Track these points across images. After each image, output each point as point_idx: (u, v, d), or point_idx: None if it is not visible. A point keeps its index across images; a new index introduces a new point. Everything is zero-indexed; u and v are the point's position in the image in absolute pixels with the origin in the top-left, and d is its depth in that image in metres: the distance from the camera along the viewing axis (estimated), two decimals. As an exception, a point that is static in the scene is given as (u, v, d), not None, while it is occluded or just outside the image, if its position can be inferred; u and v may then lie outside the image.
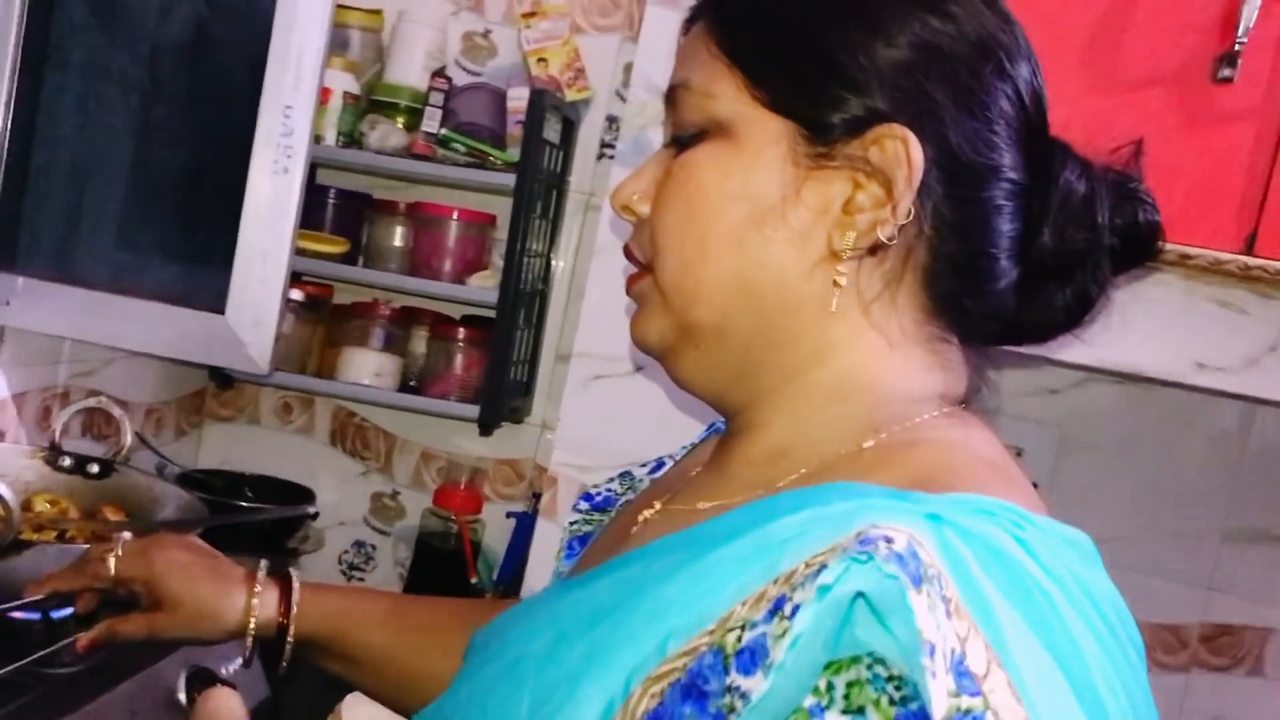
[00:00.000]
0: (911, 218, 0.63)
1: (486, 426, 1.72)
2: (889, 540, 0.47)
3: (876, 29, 0.64)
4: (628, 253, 0.71)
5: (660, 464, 0.85)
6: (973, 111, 0.64)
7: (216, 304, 1.39)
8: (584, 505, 0.84)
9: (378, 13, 1.86)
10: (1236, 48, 1.15)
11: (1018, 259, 0.67)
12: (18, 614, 1.10)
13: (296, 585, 0.93)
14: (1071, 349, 1.35)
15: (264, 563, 0.96)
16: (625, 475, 0.87)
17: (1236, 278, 1.22)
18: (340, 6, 1.80)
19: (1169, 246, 1.20)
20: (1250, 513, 1.67)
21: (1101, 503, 1.73)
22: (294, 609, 0.92)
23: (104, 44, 1.55)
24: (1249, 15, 1.13)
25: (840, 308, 0.64)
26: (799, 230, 0.64)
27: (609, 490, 0.85)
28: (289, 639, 0.91)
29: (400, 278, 1.79)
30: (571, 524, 0.84)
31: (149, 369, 1.77)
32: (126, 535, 0.98)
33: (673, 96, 0.69)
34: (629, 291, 0.71)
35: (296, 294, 1.77)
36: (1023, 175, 0.66)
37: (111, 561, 0.94)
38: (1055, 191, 0.67)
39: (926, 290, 0.65)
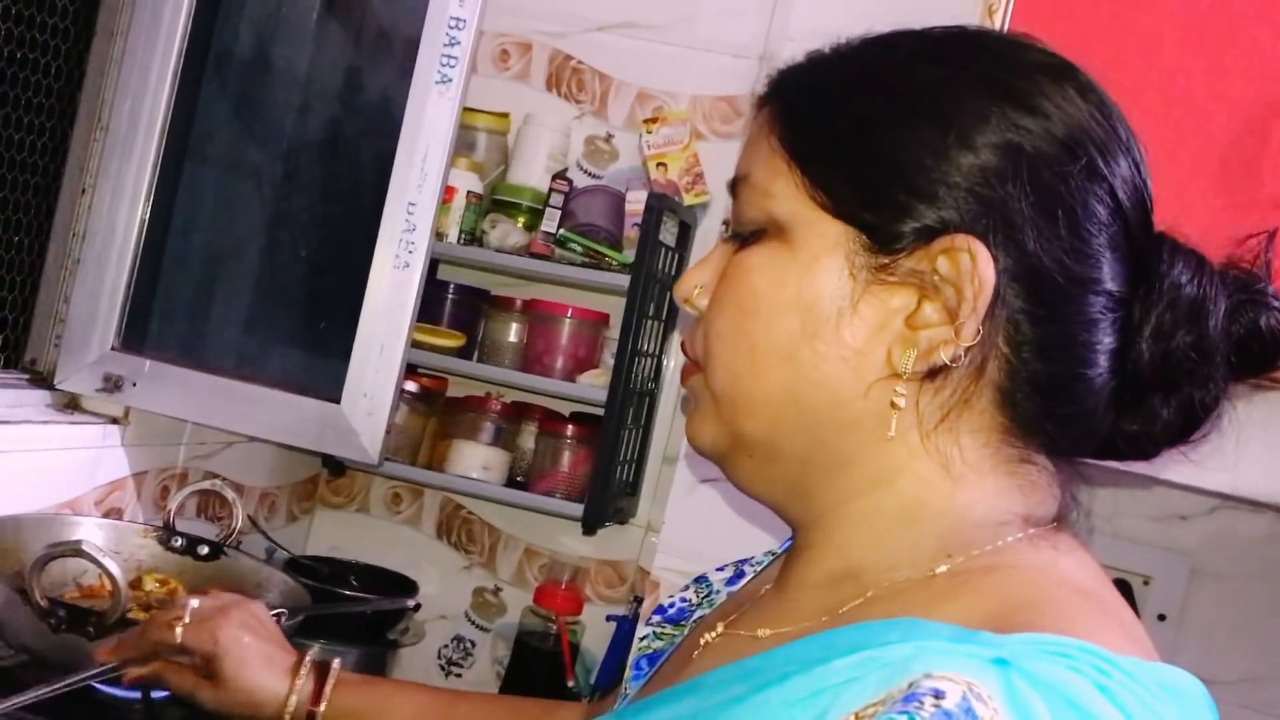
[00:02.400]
0: (980, 337, 0.58)
1: (590, 526, 1.71)
2: (939, 695, 0.43)
3: (952, 130, 0.59)
4: (684, 347, 0.68)
5: (739, 574, 0.82)
6: (1058, 218, 0.58)
7: (333, 393, 1.42)
8: (656, 619, 0.81)
9: (504, 116, 1.90)
10: (1383, 165, 1.10)
11: (1113, 372, 0.61)
12: (118, 692, 1.11)
13: (333, 675, 0.96)
14: (1200, 473, 1.28)
15: (311, 653, 1.00)
16: (701, 581, 0.83)
17: (1385, 405, 1.15)
18: (468, 109, 1.85)
19: (1310, 369, 1.14)
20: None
21: (1233, 639, 1.63)
22: (325, 698, 0.95)
23: (242, 140, 1.62)
24: (1396, 132, 1.09)
25: (900, 430, 0.60)
26: (855, 347, 0.60)
27: (683, 601, 0.82)
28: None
29: (512, 373, 1.81)
30: (641, 640, 0.80)
31: (265, 454, 1.81)
32: (194, 603, 1.01)
33: (735, 188, 0.66)
34: (683, 384, 0.68)
35: (411, 385, 1.80)
36: (1119, 285, 0.60)
37: (179, 631, 0.98)
38: (1159, 296, 0.61)
39: (1004, 410, 0.60)
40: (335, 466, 1.91)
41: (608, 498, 1.72)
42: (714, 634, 0.68)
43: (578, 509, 1.72)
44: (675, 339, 1.89)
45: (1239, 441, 1.26)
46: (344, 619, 1.63)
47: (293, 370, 1.60)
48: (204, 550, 1.41)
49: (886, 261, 0.59)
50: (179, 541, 1.41)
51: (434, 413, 1.86)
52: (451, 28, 1.41)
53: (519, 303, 1.85)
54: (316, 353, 1.58)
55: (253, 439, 1.70)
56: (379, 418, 1.42)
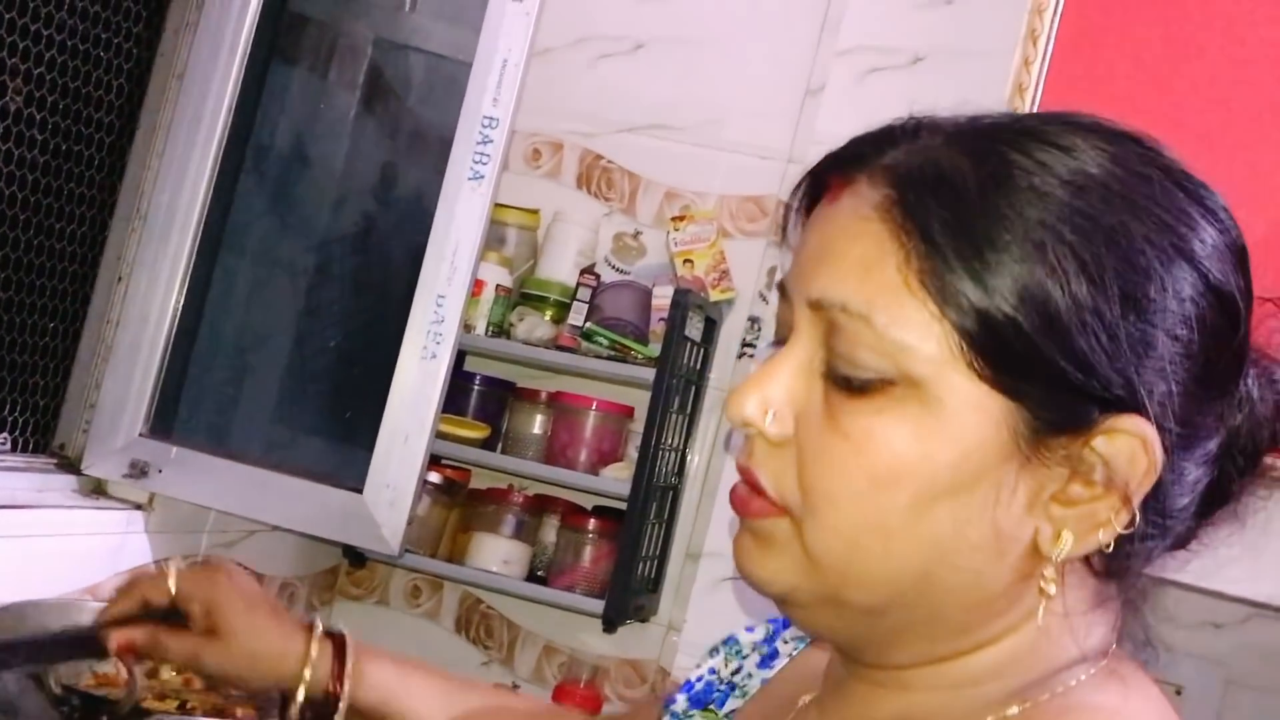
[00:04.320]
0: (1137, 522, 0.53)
1: (611, 623, 1.69)
2: None
3: (1135, 300, 0.52)
4: (746, 473, 0.58)
5: (774, 652, 0.75)
6: (1208, 388, 0.55)
7: (356, 483, 1.42)
8: (681, 701, 0.75)
9: (535, 212, 1.93)
10: None
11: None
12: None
13: (352, 647, 0.86)
14: (1231, 581, 1.26)
15: (319, 618, 0.89)
16: (730, 643, 0.76)
17: None
18: (499, 205, 1.88)
19: (1343, 477, 1.13)
20: None
21: (1270, 752, 1.59)
22: (348, 671, 0.84)
23: (276, 231, 1.65)
24: None
25: (1017, 601, 0.55)
26: (1006, 533, 0.53)
27: (711, 674, 0.76)
28: (341, 707, 0.84)
29: (536, 465, 1.80)
30: None
31: (287, 544, 1.81)
32: (180, 561, 0.92)
33: (825, 312, 0.55)
34: (748, 518, 0.58)
35: (434, 476, 1.80)
36: (1222, 434, 0.57)
37: (172, 579, 0.86)
38: (1239, 420, 0.57)
39: (1103, 563, 0.56)
40: (356, 557, 1.91)
41: (629, 594, 1.71)
42: None
43: (598, 605, 1.70)
44: (700, 433, 1.89)
45: (1271, 547, 1.24)
46: None
47: (317, 459, 1.60)
48: (222, 639, 1.39)
49: (1049, 440, 0.53)
50: (197, 630, 1.40)
51: (456, 504, 1.86)
52: (485, 126, 1.44)
53: (544, 395, 1.85)
54: (342, 442, 1.58)
55: (275, 528, 1.70)
56: (401, 509, 1.42)
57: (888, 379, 0.53)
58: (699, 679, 0.75)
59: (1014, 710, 0.55)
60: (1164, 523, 0.56)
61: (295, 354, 1.66)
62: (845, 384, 0.54)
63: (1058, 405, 0.52)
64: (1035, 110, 1.21)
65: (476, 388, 1.86)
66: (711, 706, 0.73)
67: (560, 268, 1.87)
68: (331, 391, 1.64)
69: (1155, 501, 0.54)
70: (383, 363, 1.45)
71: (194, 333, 1.55)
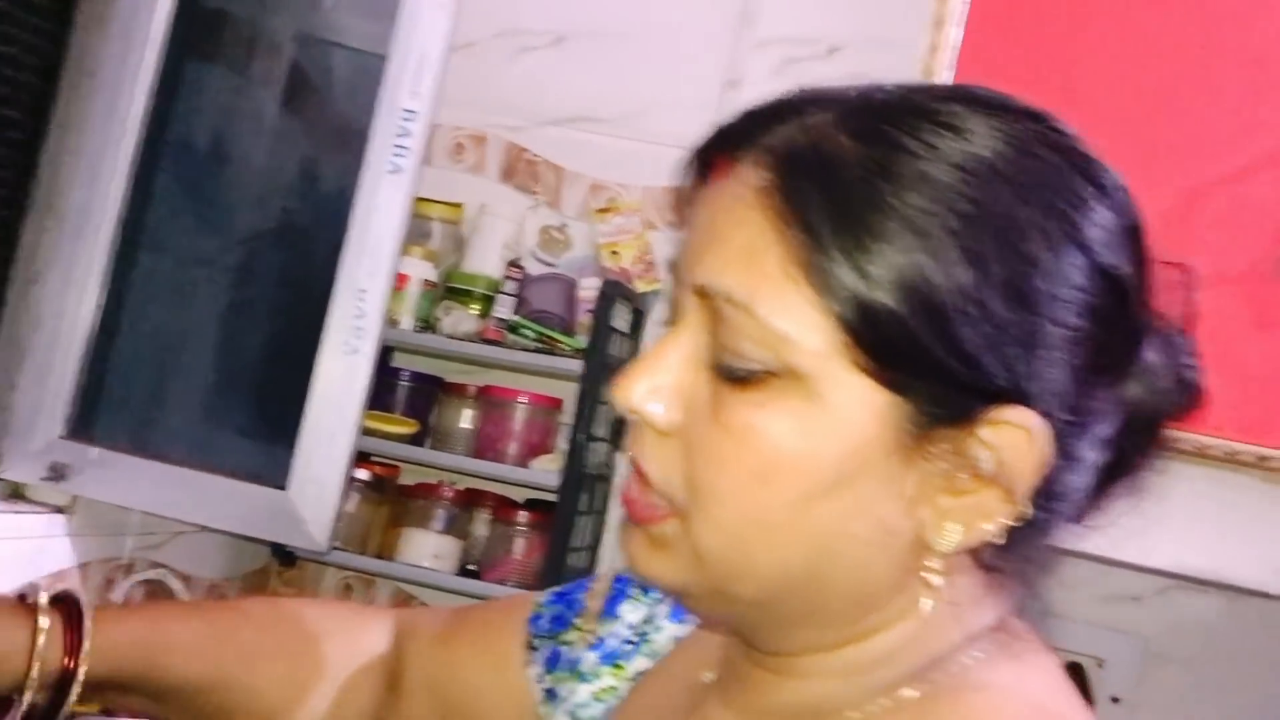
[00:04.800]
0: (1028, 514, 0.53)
1: (543, 614, 1.69)
2: None
3: (1018, 282, 0.51)
4: (636, 465, 0.56)
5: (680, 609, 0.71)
6: (1101, 372, 0.53)
7: (281, 480, 1.41)
8: (591, 659, 0.71)
9: (459, 206, 1.93)
10: (1304, 248, 1.14)
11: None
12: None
13: (88, 615, 0.70)
14: (1146, 553, 1.30)
15: (41, 588, 0.72)
16: (640, 585, 0.74)
17: (1317, 482, 1.18)
18: (423, 200, 1.87)
19: (1243, 447, 1.17)
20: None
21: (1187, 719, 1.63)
22: (85, 646, 0.69)
23: (196, 229, 1.63)
24: (1315, 216, 1.13)
25: (904, 589, 0.55)
26: (890, 527, 0.53)
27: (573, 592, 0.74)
28: (74, 685, 0.69)
29: (465, 459, 1.80)
30: (578, 709, 0.71)
31: (215, 545, 1.79)
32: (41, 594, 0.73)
33: (711, 301, 0.53)
34: (638, 524, 0.56)
35: (362, 473, 1.79)
36: (1120, 415, 0.56)
37: None
38: (1134, 390, 0.56)
39: (1001, 538, 0.55)
40: (285, 557, 1.89)
41: (561, 585, 1.71)
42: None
43: (530, 597, 1.70)
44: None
45: (1184, 519, 1.28)
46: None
47: (243, 458, 1.59)
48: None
49: (934, 433, 0.51)
50: (121, 633, 1.38)
51: (386, 501, 1.86)
52: (404, 119, 1.43)
53: (472, 389, 1.85)
54: (267, 440, 1.57)
55: (202, 528, 1.68)
56: (327, 505, 1.41)
57: (770, 371, 0.52)
58: (614, 636, 0.73)
59: (908, 693, 0.54)
60: (1057, 507, 0.55)
61: (218, 352, 1.64)
62: (730, 375, 0.53)
63: (942, 398, 0.51)
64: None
65: (404, 383, 1.86)
66: (620, 663, 0.71)
67: (486, 261, 1.87)
68: (256, 389, 1.63)
69: (1048, 488, 0.53)
70: (307, 359, 1.44)
71: (113, 333, 1.53)
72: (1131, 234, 0.55)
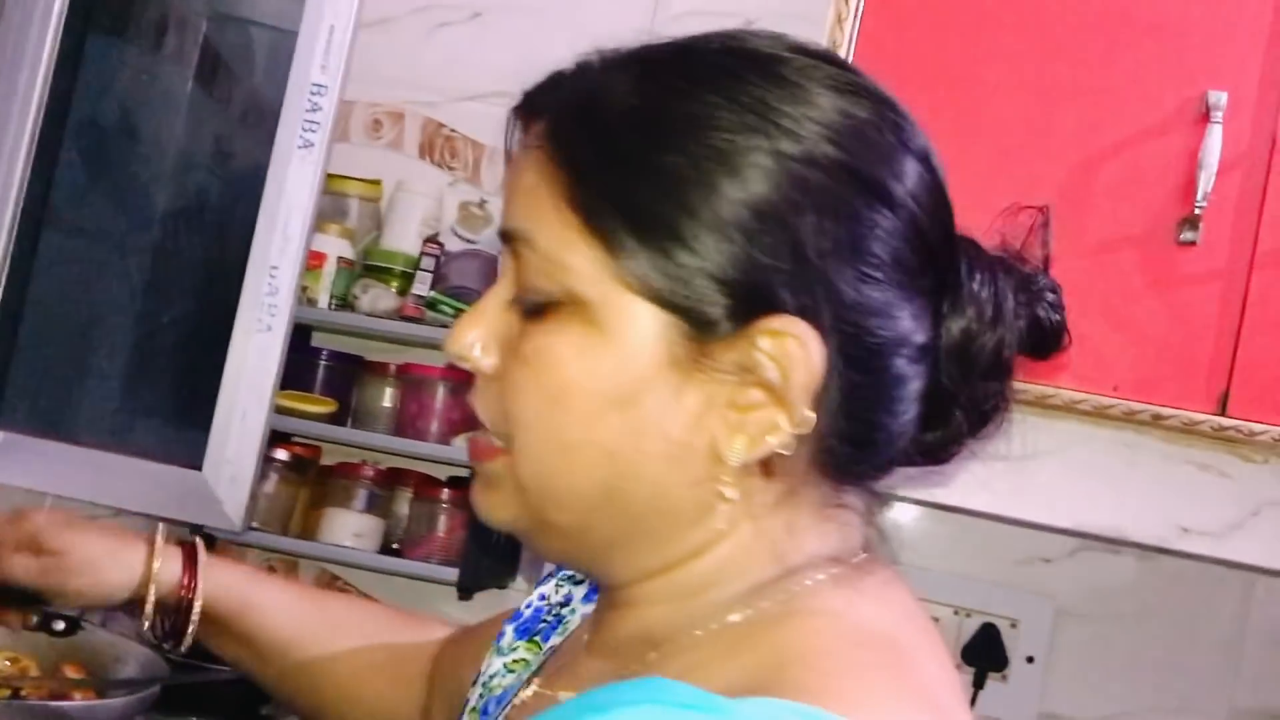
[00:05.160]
0: (811, 423, 0.54)
1: (467, 590, 1.69)
2: None
3: (737, 187, 0.53)
4: (474, 410, 0.61)
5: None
6: (866, 273, 0.55)
7: (196, 461, 1.40)
8: (509, 634, 0.74)
9: (376, 183, 1.92)
10: (1197, 211, 1.17)
11: (922, 401, 0.59)
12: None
13: (202, 550, 0.87)
14: (1053, 513, 1.33)
15: (162, 527, 0.90)
16: (562, 569, 0.77)
17: (1212, 439, 1.21)
18: (340, 177, 1.86)
19: (1141, 407, 1.20)
20: (1259, 689, 1.62)
21: (1100, 678, 1.67)
22: (199, 575, 0.84)
23: (104, 208, 1.60)
24: (1206, 181, 1.16)
25: (715, 508, 0.56)
26: (680, 440, 0.55)
27: (540, 602, 0.76)
28: (195, 609, 0.85)
29: (386, 438, 1.79)
30: (491, 677, 0.73)
31: (132, 527, 1.76)
32: None
33: (509, 243, 0.59)
34: (475, 462, 0.61)
35: (282, 454, 1.77)
36: (928, 329, 0.58)
37: None
38: (959, 312, 0.58)
39: (817, 466, 0.57)
40: (205, 539, 1.87)
41: (484, 562, 1.71)
42: (529, 692, 0.65)
43: (453, 574, 1.70)
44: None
45: (1089, 479, 1.31)
46: (216, 695, 1.59)
47: (156, 439, 1.57)
48: (59, 626, 1.36)
49: (708, 347, 0.54)
50: (33, 619, 1.36)
51: (306, 481, 1.84)
52: (313, 94, 1.42)
53: (393, 368, 1.84)
54: (181, 421, 1.55)
55: (118, 511, 1.66)
56: (242, 485, 1.40)
57: (555, 300, 0.56)
58: (528, 605, 0.76)
59: (733, 618, 0.56)
60: (869, 427, 0.57)
61: (131, 332, 1.62)
62: (528, 310, 0.57)
63: (710, 311, 0.54)
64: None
65: (323, 363, 1.84)
66: (536, 639, 0.74)
67: (405, 238, 1.85)
68: (169, 370, 1.61)
69: (850, 406, 0.56)
70: (221, 339, 1.43)
71: (18, 315, 1.50)
72: (902, 150, 0.57)
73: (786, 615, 0.55)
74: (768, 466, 0.56)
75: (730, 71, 0.57)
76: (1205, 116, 1.16)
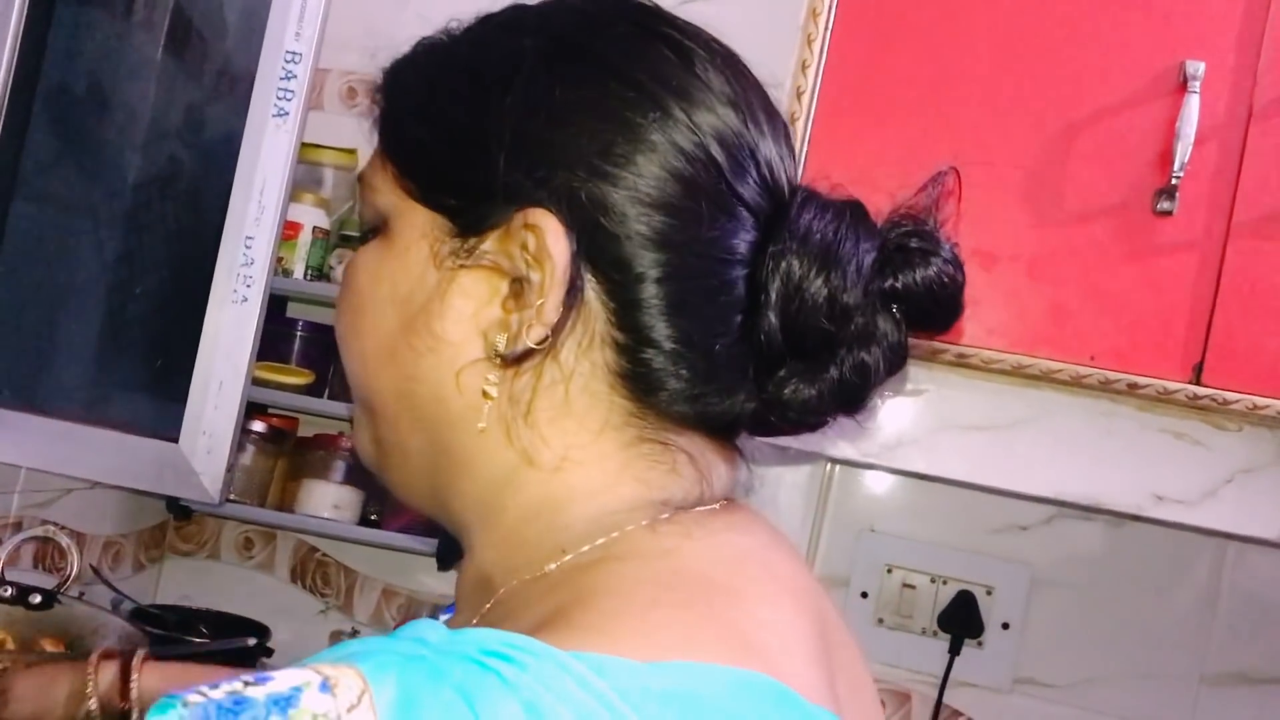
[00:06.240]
0: (567, 315, 0.54)
1: (445, 560, 1.69)
2: (287, 689, 0.41)
3: (509, 97, 0.56)
4: None
5: None
6: (630, 175, 0.54)
7: (172, 433, 1.39)
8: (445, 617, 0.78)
9: (352, 152, 1.90)
10: (1174, 182, 1.17)
11: (743, 337, 0.57)
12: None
13: (138, 657, 0.91)
14: (1030, 481, 1.34)
15: (100, 647, 0.97)
16: None
17: (1186, 407, 1.22)
18: (315, 146, 1.84)
19: (1117, 376, 1.20)
20: (1230, 654, 1.64)
21: (1075, 643, 1.69)
22: (134, 681, 0.89)
23: (76, 177, 1.58)
24: (1183, 151, 1.16)
25: (497, 423, 0.56)
26: (448, 338, 0.56)
27: None
28: (133, 711, 0.88)
29: (364, 410, 1.79)
30: None
31: (108, 500, 1.75)
32: None
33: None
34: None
35: (259, 426, 1.77)
36: (728, 243, 0.55)
37: None
38: (785, 248, 0.55)
39: (620, 391, 0.56)
40: (181, 511, 1.86)
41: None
42: None
43: (432, 545, 1.70)
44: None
45: (1064, 448, 1.31)
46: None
47: (132, 411, 1.56)
48: (36, 599, 1.35)
49: (468, 245, 0.56)
50: (8, 591, 1.35)
51: (284, 453, 1.83)
52: (288, 62, 1.41)
53: (370, 339, 1.83)
54: (157, 393, 1.54)
55: (95, 485, 1.65)
56: (219, 457, 1.39)
57: (373, 225, 0.61)
58: None
59: (551, 566, 0.54)
60: (652, 339, 0.55)
61: (104, 304, 1.61)
62: (362, 242, 0.62)
63: (468, 207, 0.57)
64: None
65: (299, 334, 1.83)
66: None
67: (381, 209, 1.84)
68: (145, 341, 1.59)
69: (620, 310, 0.55)
70: (196, 310, 1.41)
71: (-10, 285, 1.48)
72: (659, 44, 0.58)
73: (597, 561, 0.53)
74: (532, 367, 0.56)
75: (541, 10, 0.61)
76: (1183, 86, 1.17)
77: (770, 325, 0.56)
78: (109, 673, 0.90)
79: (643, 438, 0.57)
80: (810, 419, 0.58)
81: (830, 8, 1.19)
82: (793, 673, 0.49)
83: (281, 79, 1.40)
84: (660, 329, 0.55)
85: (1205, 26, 1.19)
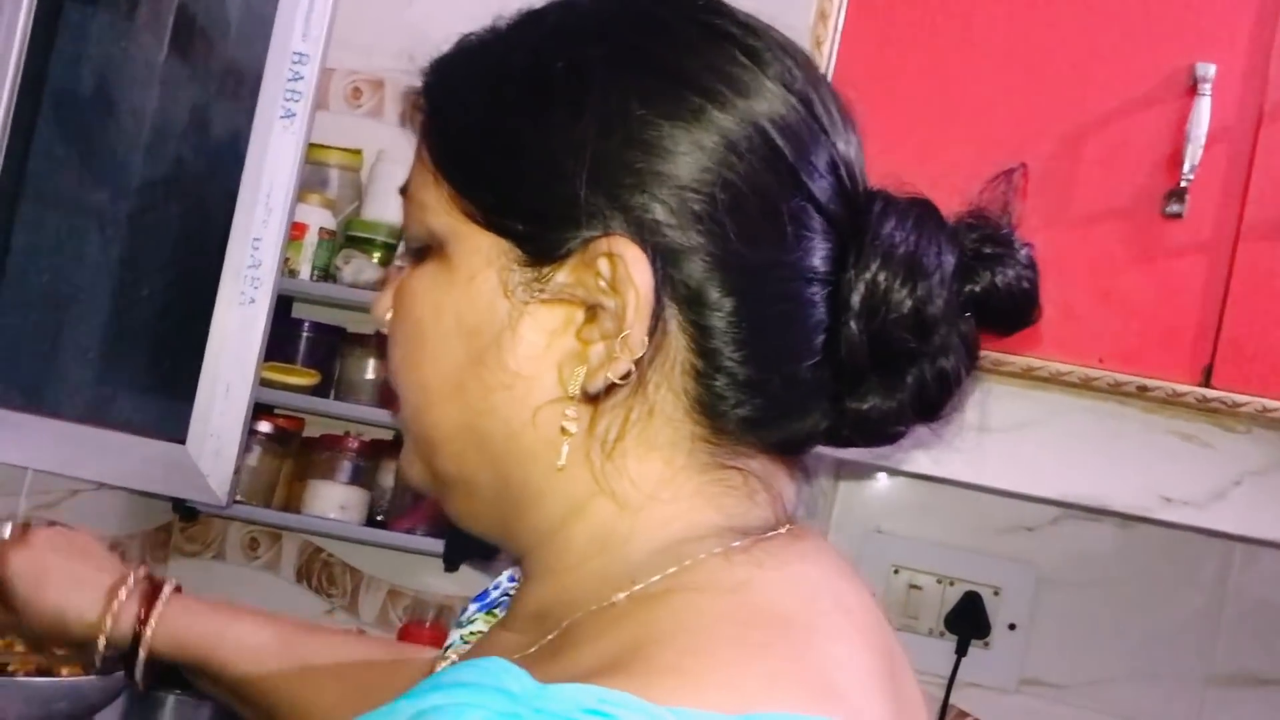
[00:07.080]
0: (652, 346, 0.52)
1: (452, 562, 1.70)
2: None
3: (586, 117, 0.53)
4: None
5: None
6: (723, 200, 0.52)
7: (178, 434, 1.39)
8: (471, 610, 0.73)
9: (357, 152, 1.90)
10: (1183, 184, 1.17)
11: (826, 354, 0.54)
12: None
13: (166, 593, 0.86)
14: (1038, 483, 1.34)
15: (141, 570, 0.90)
16: None
17: (1195, 410, 1.22)
18: (321, 146, 1.84)
19: (1126, 378, 1.21)
20: (1236, 656, 1.64)
21: (1081, 644, 1.69)
22: (151, 623, 0.84)
23: (83, 179, 1.58)
24: (1193, 154, 1.16)
25: (577, 459, 0.53)
26: (521, 372, 0.53)
27: (510, 584, 0.73)
28: (141, 652, 0.84)
29: (370, 410, 1.79)
30: (448, 650, 0.71)
31: (114, 502, 1.75)
32: (5, 528, 0.92)
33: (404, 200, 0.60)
34: (393, 417, 0.62)
35: (265, 426, 1.77)
36: (820, 260, 0.54)
37: None
38: (868, 258, 0.53)
39: (697, 418, 0.54)
40: (187, 512, 1.86)
41: (470, 534, 1.71)
42: (447, 665, 0.64)
43: (439, 546, 1.70)
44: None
45: (1073, 449, 1.31)
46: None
47: (139, 413, 1.56)
48: (43, 601, 1.35)
49: (543, 275, 0.53)
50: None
51: (290, 454, 1.83)
52: (295, 62, 1.40)
53: (375, 339, 1.83)
54: (164, 394, 1.54)
55: (100, 485, 1.65)
56: (226, 458, 1.39)
57: (425, 244, 0.57)
58: (495, 587, 0.75)
59: (620, 596, 0.52)
60: (730, 365, 0.53)
61: (111, 305, 1.61)
62: (413, 260, 0.58)
63: (540, 234, 0.53)
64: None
65: (305, 334, 1.83)
66: (496, 610, 0.72)
67: (386, 208, 1.84)
68: (152, 342, 1.59)
69: (699, 335, 0.52)
70: (203, 311, 1.41)
71: (-3, 286, 1.48)
72: (732, 54, 0.54)
73: (668, 592, 0.51)
74: (617, 400, 0.53)
75: (610, 14, 0.57)
76: (1193, 89, 1.16)
77: (855, 341, 0.54)
78: (132, 601, 0.85)
79: (718, 463, 0.55)
80: (890, 430, 0.57)
81: (839, 11, 1.19)
82: (872, 715, 0.49)
83: (289, 80, 1.40)
84: (741, 354, 0.53)
85: (1216, 29, 1.19)
